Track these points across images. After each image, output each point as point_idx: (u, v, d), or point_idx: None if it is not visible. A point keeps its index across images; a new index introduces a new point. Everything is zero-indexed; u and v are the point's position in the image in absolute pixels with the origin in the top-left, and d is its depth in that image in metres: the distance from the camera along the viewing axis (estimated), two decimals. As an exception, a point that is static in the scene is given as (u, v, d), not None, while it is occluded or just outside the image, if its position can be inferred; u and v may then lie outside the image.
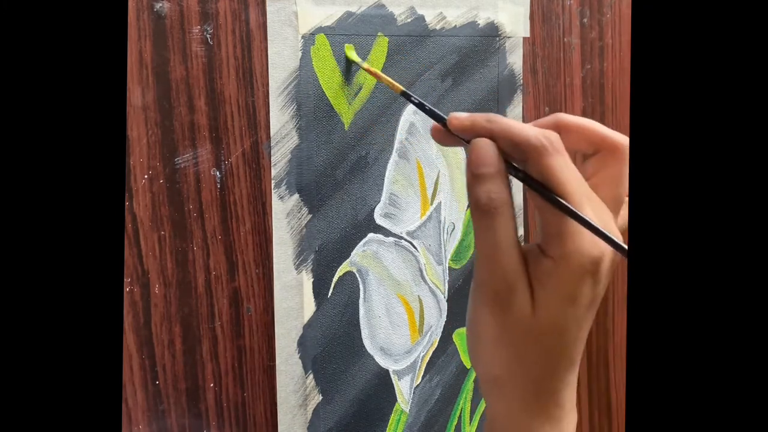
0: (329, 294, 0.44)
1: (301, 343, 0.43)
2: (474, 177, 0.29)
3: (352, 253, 0.45)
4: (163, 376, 0.40)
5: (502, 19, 0.49)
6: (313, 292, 0.44)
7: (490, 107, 0.50)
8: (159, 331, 0.40)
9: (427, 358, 0.49)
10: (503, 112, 0.51)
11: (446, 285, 0.50)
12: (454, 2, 0.47)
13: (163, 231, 0.39)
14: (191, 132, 0.39)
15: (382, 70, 0.44)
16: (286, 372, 0.43)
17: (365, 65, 0.42)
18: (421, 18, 0.46)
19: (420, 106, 0.34)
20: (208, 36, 0.39)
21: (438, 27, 0.46)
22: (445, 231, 0.49)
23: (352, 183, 0.44)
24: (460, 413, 0.52)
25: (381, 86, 0.45)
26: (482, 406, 0.53)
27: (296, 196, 0.42)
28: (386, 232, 0.46)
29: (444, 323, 0.50)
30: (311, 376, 0.44)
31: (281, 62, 0.41)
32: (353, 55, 0.42)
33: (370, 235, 0.46)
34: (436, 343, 0.50)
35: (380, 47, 0.44)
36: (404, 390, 0.48)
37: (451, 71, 0.48)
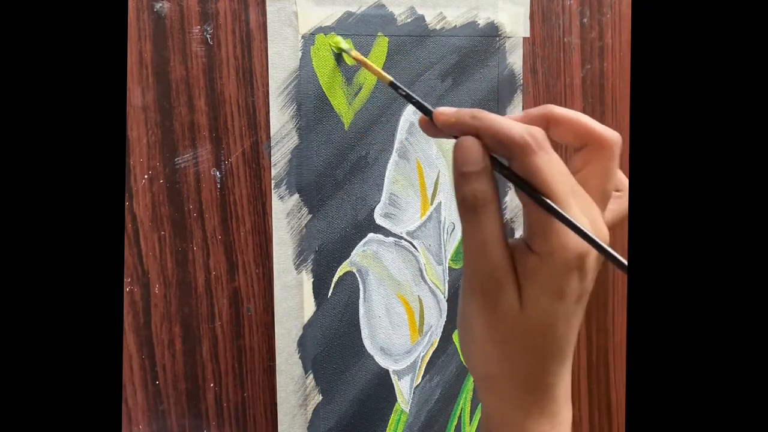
0: (329, 294, 0.44)
1: (301, 343, 0.43)
2: (460, 175, 0.29)
3: (352, 253, 0.45)
4: (163, 376, 0.40)
5: (502, 19, 0.49)
6: (313, 292, 0.44)
7: (490, 107, 0.50)
8: (159, 331, 0.40)
9: (427, 358, 0.49)
10: (503, 112, 0.51)
11: (446, 285, 0.50)
12: (454, 2, 0.47)
13: (163, 231, 0.39)
14: (191, 132, 0.39)
15: (381, 70, 0.44)
16: (286, 372, 0.43)
17: (354, 53, 0.42)
18: (421, 18, 0.46)
19: (407, 98, 0.34)
20: (208, 36, 0.39)
21: (438, 27, 0.46)
22: (445, 231, 0.49)
23: (352, 183, 0.44)
24: (460, 413, 0.52)
25: (381, 86, 0.45)
26: (482, 406, 0.53)
27: (296, 196, 0.42)
28: (386, 232, 0.46)
29: (444, 323, 0.50)
30: (311, 376, 0.44)
31: (281, 62, 0.41)
32: (340, 42, 0.42)
33: (370, 235, 0.46)
34: (436, 343, 0.50)
35: (380, 47, 0.44)
36: (404, 390, 0.48)
37: (451, 71, 0.48)
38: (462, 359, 0.51)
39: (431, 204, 0.48)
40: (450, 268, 0.50)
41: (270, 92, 0.41)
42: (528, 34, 0.51)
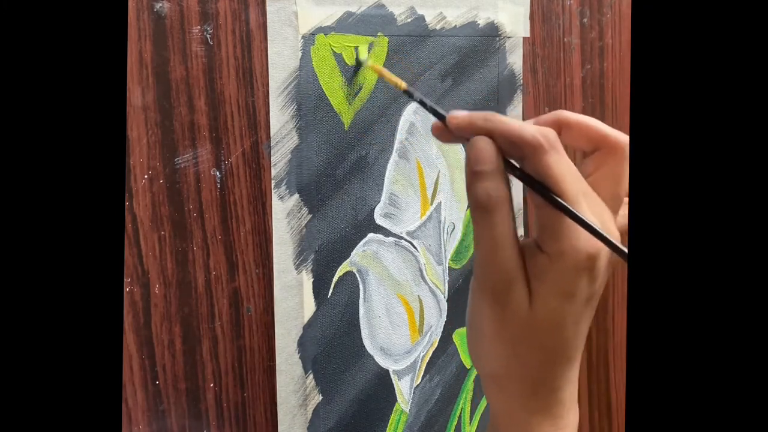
0: (329, 294, 0.44)
1: (301, 343, 0.43)
2: (473, 174, 0.29)
3: (352, 253, 0.45)
4: (163, 376, 0.40)
5: (502, 19, 0.49)
6: (313, 292, 0.44)
7: (490, 107, 0.50)
8: (159, 331, 0.40)
9: (427, 358, 0.49)
10: (503, 112, 0.51)
11: (446, 285, 0.50)
12: (454, 2, 0.47)
13: (163, 231, 0.39)
14: (191, 132, 0.39)
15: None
16: (286, 372, 0.43)
17: (371, 62, 0.42)
18: (421, 18, 0.46)
19: (422, 103, 0.34)
20: (208, 36, 0.39)
21: (438, 27, 0.46)
22: (445, 231, 0.49)
23: (352, 183, 0.44)
24: (460, 413, 0.52)
25: (381, 86, 0.45)
26: (482, 405, 0.53)
27: (296, 196, 0.42)
28: (386, 232, 0.46)
29: (444, 323, 0.50)
30: (311, 376, 0.44)
31: (281, 62, 0.41)
32: (364, 53, 0.43)
33: (370, 235, 0.46)
34: (436, 343, 0.50)
35: (380, 47, 0.44)
36: (404, 390, 0.48)
37: (451, 71, 0.48)
38: (463, 359, 0.51)
39: (431, 204, 0.48)
40: (450, 268, 0.50)
41: (270, 92, 0.41)
42: (528, 34, 0.51)
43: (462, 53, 0.48)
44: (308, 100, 0.42)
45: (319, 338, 0.44)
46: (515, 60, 0.51)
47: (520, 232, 0.54)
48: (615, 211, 0.31)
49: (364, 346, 0.46)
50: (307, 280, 0.43)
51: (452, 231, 0.50)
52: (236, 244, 0.41)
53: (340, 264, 0.45)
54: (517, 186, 0.51)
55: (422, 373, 0.49)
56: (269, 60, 0.41)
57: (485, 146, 0.29)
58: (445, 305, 0.50)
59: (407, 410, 0.49)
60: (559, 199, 0.28)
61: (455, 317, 0.50)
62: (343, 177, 0.44)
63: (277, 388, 0.43)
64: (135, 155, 0.38)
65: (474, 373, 0.52)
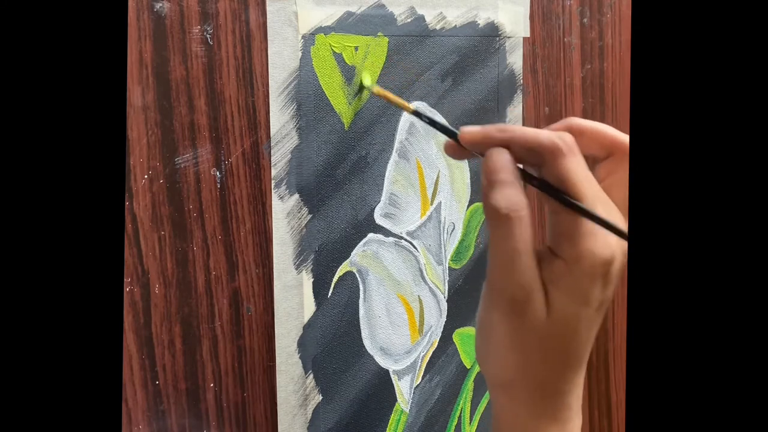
0: (329, 294, 0.44)
1: (301, 343, 0.43)
2: (491, 184, 0.29)
3: (352, 253, 0.45)
4: (163, 376, 0.40)
5: (502, 19, 0.49)
6: (313, 292, 0.44)
7: (490, 107, 0.50)
8: (159, 331, 0.40)
9: (427, 358, 0.49)
10: (503, 112, 0.51)
11: (446, 285, 0.50)
12: (454, 2, 0.47)
13: (163, 231, 0.39)
14: (191, 132, 0.39)
15: (382, 70, 0.44)
16: (286, 372, 0.43)
17: (376, 89, 0.42)
18: (421, 18, 0.46)
19: (432, 123, 0.34)
20: (208, 36, 0.39)
21: (438, 27, 0.46)
22: (445, 231, 0.49)
23: (352, 183, 0.44)
24: (460, 413, 0.52)
25: (381, 86, 0.45)
26: (482, 406, 0.53)
27: (296, 196, 0.42)
28: (386, 232, 0.46)
29: (444, 323, 0.50)
30: (311, 376, 0.44)
31: (281, 62, 0.41)
32: (367, 80, 0.43)
33: (370, 235, 0.46)
34: (436, 343, 0.49)
35: (380, 47, 0.44)
36: (404, 390, 0.48)
37: (451, 71, 0.48)
38: (463, 359, 0.51)
39: (431, 204, 0.48)
40: (450, 268, 0.50)
41: (270, 92, 0.41)
42: (528, 34, 0.51)
43: (462, 53, 0.48)
44: (308, 100, 0.42)
45: (319, 338, 0.44)
46: (515, 60, 0.51)
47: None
48: (626, 216, 0.31)
49: (364, 346, 0.46)
50: (307, 280, 0.43)
51: (452, 231, 0.50)
52: (236, 244, 0.41)
53: (340, 264, 0.45)
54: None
55: (422, 373, 0.49)
56: (269, 60, 0.41)
57: (502, 156, 0.29)
58: (445, 305, 0.50)
59: (407, 410, 0.49)
60: (578, 203, 0.28)
61: (455, 317, 0.50)
62: (343, 177, 0.44)
63: (277, 388, 0.43)
64: (135, 155, 0.38)
65: (474, 373, 0.52)
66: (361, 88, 0.43)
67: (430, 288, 0.49)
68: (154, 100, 0.38)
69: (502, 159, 0.29)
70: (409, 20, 0.45)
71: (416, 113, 0.36)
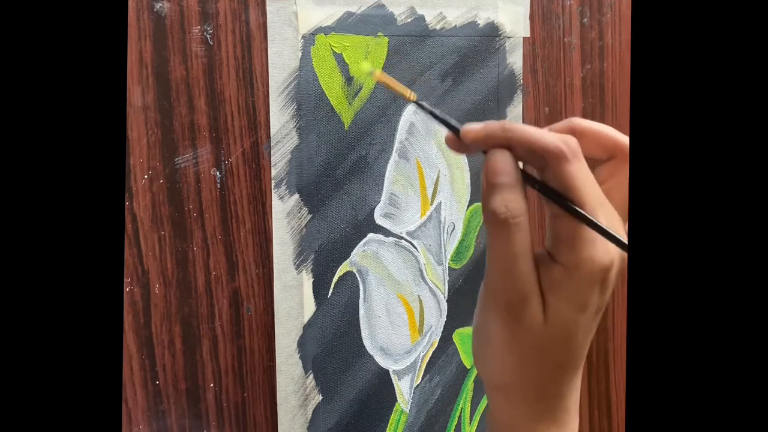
0: (329, 294, 0.44)
1: (301, 343, 0.43)
2: (491, 187, 0.29)
3: (352, 253, 0.45)
4: (163, 376, 0.40)
5: (502, 19, 0.49)
6: (313, 292, 0.44)
7: (490, 107, 0.50)
8: (159, 331, 0.40)
9: (427, 358, 0.49)
10: (503, 112, 0.51)
11: (446, 285, 0.50)
12: (454, 2, 0.47)
13: (163, 231, 0.39)
14: (191, 132, 0.39)
15: (381, 70, 0.44)
16: (286, 372, 0.43)
17: (378, 74, 0.41)
18: (421, 18, 0.46)
19: (433, 115, 0.33)
20: (208, 36, 0.39)
21: (438, 27, 0.46)
22: (445, 231, 0.49)
23: (352, 183, 0.44)
24: (460, 413, 0.52)
25: (381, 87, 0.45)
26: (482, 406, 0.53)
27: (296, 196, 0.42)
28: (386, 232, 0.46)
29: (444, 323, 0.50)
30: (311, 376, 0.44)
31: (281, 62, 0.41)
32: (367, 65, 0.42)
33: (370, 235, 0.46)
34: (436, 343, 0.49)
35: (380, 47, 0.44)
36: (404, 390, 0.48)
37: (451, 71, 0.48)
38: (463, 359, 0.51)
39: (431, 204, 0.48)
40: (450, 268, 0.50)
41: (270, 92, 0.41)
42: (528, 34, 0.51)
43: (462, 53, 0.48)
44: (308, 100, 0.42)
45: (319, 338, 0.44)
46: (515, 60, 0.51)
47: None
48: (626, 219, 0.31)
49: (364, 346, 0.46)
50: (307, 280, 0.43)
51: (452, 231, 0.50)
52: (236, 244, 0.41)
53: (340, 264, 0.45)
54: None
55: (422, 373, 0.49)
56: (269, 60, 0.41)
57: (503, 158, 0.29)
58: (445, 305, 0.50)
59: (407, 410, 0.49)
60: (580, 210, 0.28)
61: (455, 317, 0.50)
62: (343, 177, 0.44)
63: (277, 388, 0.43)
64: (135, 155, 0.38)
65: (474, 374, 0.52)
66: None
67: (430, 288, 0.49)
68: (154, 100, 0.38)
69: (503, 162, 0.29)
70: (409, 20, 0.45)
71: (418, 103, 0.36)
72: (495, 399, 0.31)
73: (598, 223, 0.28)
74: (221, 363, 0.41)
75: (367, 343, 0.46)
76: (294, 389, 0.44)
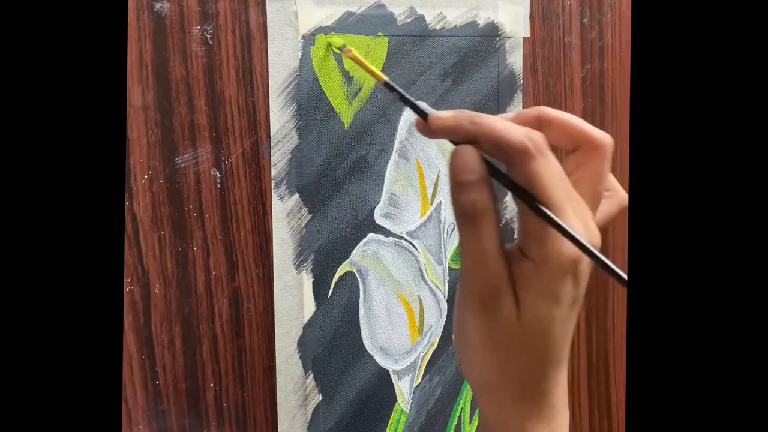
0: (329, 294, 0.44)
1: (301, 343, 0.43)
2: (456, 185, 0.29)
3: (352, 253, 0.45)
4: (163, 376, 0.40)
5: (502, 19, 0.49)
6: (313, 292, 0.44)
7: (490, 107, 0.50)
8: (159, 331, 0.40)
9: (427, 358, 0.49)
10: (503, 112, 0.51)
11: (446, 285, 0.50)
12: (454, 2, 0.47)
13: (163, 231, 0.39)
14: (191, 132, 0.39)
15: (381, 70, 0.44)
16: (286, 372, 0.43)
17: (349, 52, 0.41)
18: (421, 18, 0.46)
19: (402, 99, 0.33)
20: (208, 36, 0.39)
21: (438, 27, 0.46)
22: (446, 231, 0.49)
23: (352, 183, 0.44)
24: (460, 413, 0.52)
25: (381, 86, 0.45)
26: (482, 406, 0.53)
27: (296, 196, 0.42)
28: (386, 232, 0.46)
29: (444, 323, 0.50)
30: (311, 376, 0.44)
31: (281, 62, 0.41)
32: (337, 40, 0.42)
33: (370, 235, 0.46)
34: (436, 343, 0.50)
35: (380, 47, 0.44)
36: (404, 390, 0.48)
37: (451, 71, 0.48)
38: (462, 359, 0.51)
39: (431, 204, 0.48)
40: (450, 268, 0.50)
41: (270, 92, 0.41)
42: (528, 34, 0.51)
43: (462, 53, 0.48)
44: (308, 100, 0.42)
45: (319, 338, 0.44)
46: (515, 60, 0.51)
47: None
48: (594, 209, 0.31)
49: (364, 346, 0.46)
50: (307, 280, 0.43)
51: (452, 231, 0.50)
52: (236, 244, 0.41)
53: (340, 264, 0.45)
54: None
55: (422, 373, 0.49)
56: (269, 60, 0.41)
57: (469, 155, 0.29)
58: (445, 305, 0.50)
59: (407, 410, 0.49)
60: (544, 209, 0.28)
61: (455, 317, 0.50)
62: (343, 177, 0.44)
63: (277, 388, 0.43)
64: (135, 155, 0.38)
65: (474, 373, 0.52)
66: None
67: (430, 288, 0.49)
68: (154, 100, 0.38)
69: (468, 159, 0.29)
70: (409, 20, 0.45)
71: (388, 85, 0.35)
72: (481, 398, 0.31)
73: (558, 220, 0.28)
74: (221, 363, 0.41)
75: (367, 343, 0.46)
76: (294, 389, 0.44)
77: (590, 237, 0.29)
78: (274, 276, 0.42)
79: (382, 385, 0.47)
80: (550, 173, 0.28)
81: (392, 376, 0.48)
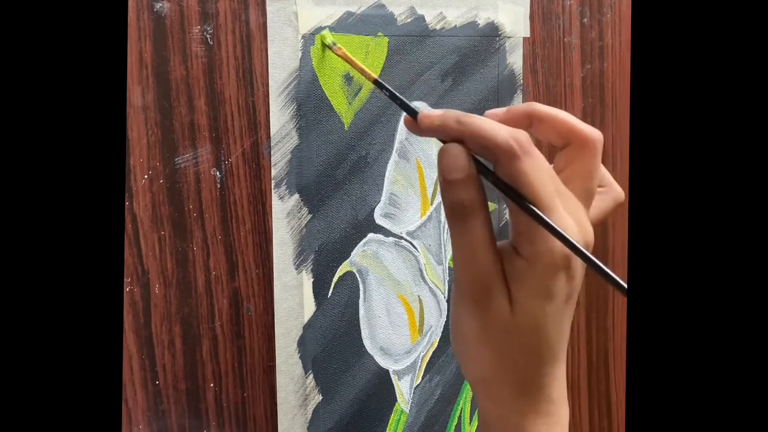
0: (329, 294, 0.44)
1: (301, 343, 0.43)
2: (446, 183, 0.29)
3: (352, 253, 0.45)
4: (163, 376, 0.40)
5: (502, 19, 0.49)
6: (313, 292, 0.44)
7: (490, 107, 0.50)
8: (159, 331, 0.40)
9: (427, 358, 0.49)
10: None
11: (446, 285, 0.50)
12: (454, 2, 0.47)
13: (163, 231, 0.39)
14: (191, 132, 0.39)
15: (381, 70, 0.44)
16: (286, 372, 0.43)
17: (339, 49, 0.41)
18: (421, 18, 0.46)
19: (392, 97, 0.33)
20: (208, 36, 0.39)
21: (438, 27, 0.46)
22: (446, 231, 0.49)
23: (352, 183, 0.44)
24: (460, 413, 0.52)
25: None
26: (482, 406, 0.53)
27: (296, 196, 0.42)
28: (386, 232, 0.46)
29: (444, 323, 0.50)
30: (311, 376, 0.44)
31: (281, 62, 0.41)
32: (328, 38, 0.42)
33: (370, 235, 0.46)
34: (436, 343, 0.50)
35: (380, 47, 0.44)
36: (404, 390, 0.48)
37: (451, 71, 0.48)
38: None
39: (431, 204, 0.48)
40: (450, 268, 0.50)
41: (270, 92, 0.41)
42: (528, 34, 0.51)
43: (462, 53, 0.48)
44: (308, 100, 0.42)
45: (319, 338, 0.44)
46: (515, 60, 0.51)
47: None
48: (588, 205, 0.31)
49: (364, 346, 0.46)
50: (307, 280, 0.43)
51: (452, 231, 0.50)
52: (236, 244, 0.41)
53: (340, 264, 0.45)
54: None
55: (422, 373, 0.49)
56: (269, 60, 0.41)
57: (457, 154, 0.29)
58: (445, 305, 0.50)
59: (407, 410, 0.49)
60: (532, 207, 0.28)
61: (455, 317, 0.50)
62: (343, 177, 0.44)
63: (277, 388, 0.43)
64: (135, 155, 0.38)
65: (474, 373, 0.52)
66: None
67: (430, 288, 0.49)
68: (154, 100, 0.38)
69: (456, 157, 0.29)
70: (409, 20, 0.45)
71: (377, 83, 0.35)
72: (479, 395, 0.31)
73: (548, 220, 0.28)
74: (221, 363, 0.42)
75: (367, 343, 0.46)
76: (294, 389, 0.44)
77: (583, 233, 0.29)
78: (274, 276, 0.42)
79: (382, 385, 0.47)
80: (537, 172, 0.28)
81: (392, 376, 0.48)
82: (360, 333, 0.46)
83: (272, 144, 0.41)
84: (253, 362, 0.42)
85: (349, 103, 0.44)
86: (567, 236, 0.27)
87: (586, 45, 0.54)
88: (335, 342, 0.45)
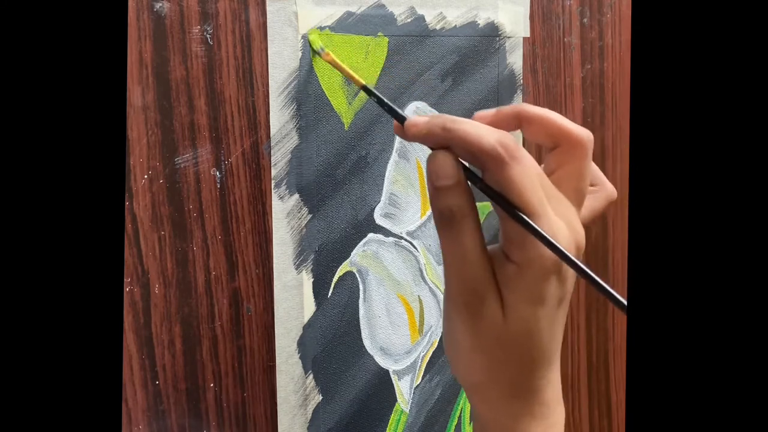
0: (329, 294, 0.44)
1: (301, 343, 0.43)
2: (434, 190, 0.29)
3: (352, 253, 0.45)
4: (163, 376, 0.40)
5: (502, 19, 0.49)
6: (313, 292, 0.44)
7: (490, 107, 0.50)
8: (159, 331, 0.40)
9: (427, 358, 0.49)
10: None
11: (446, 285, 0.50)
12: (454, 2, 0.47)
13: (163, 231, 0.39)
14: (191, 132, 0.39)
15: (381, 70, 0.45)
16: (286, 372, 0.43)
17: (327, 55, 0.41)
18: (421, 18, 0.46)
19: (380, 103, 0.33)
20: (208, 36, 0.39)
21: (438, 27, 0.46)
22: (445, 231, 0.49)
23: (352, 183, 0.44)
24: (460, 413, 0.52)
25: (381, 86, 0.45)
26: (482, 406, 0.53)
27: (296, 196, 0.42)
28: (386, 232, 0.46)
29: (444, 323, 0.50)
30: (311, 376, 0.44)
31: (281, 62, 0.41)
32: (317, 40, 0.41)
33: (370, 235, 0.46)
34: (436, 343, 0.50)
35: (380, 47, 0.44)
36: (404, 390, 0.48)
37: (451, 71, 0.48)
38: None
39: (431, 204, 0.48)
40: (450, 268, 0.50)
41: (270, 92, 0.41)
42: (528, 34, 0.51)
43: (462, 53, 0.48)
44: (308, 100, 0.42)
45: (319, 338, 0.44)
46: (515, 60, 0.51)
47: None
48: (579, 206, 0.30)
49: (364, 346, 0.46)
50: (307, 280, 0.43)
51: (452, 231, 0.50)
52: (236, 244, 0.41)
53: (340, 264, 0.45)
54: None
55: (422, 373, 0.49)
56: (269, 60, 0.41)
57: (444, 161, 0.28)
58: (445, 305, 0.50)
59: (407, 410, 0.49)
60: (520, 213, 0.27)
61: (455, 317, 0.50)
62: (343, 177, 0.44)
63: (277, 388, 0.43)
64: (135, 155, 0.38)
65: (474, 373, 0.52)
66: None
67: (430, 288, 0.49)
68: (154, 100, 0.38)
69: (443, 164, 0.28)
70: (409, 20, 0.45)
71: (365, 89, 0.35)
72: (473, 400, 0.31)
73: (536, 227, 0.27)
74: (221, 363, 0.42)
75: (367, 343, 0.46)
76: (294, 389, 0.44)
77: (574, 235, 0.29)
78: (274, 276, 0.42)
79: (382, 385, 0.47)
80: (525, 178, 0.28)
81: (392, 376, 0.48)
82: (360, 333, 0.46)
83: (272, 144, 0.41)
84: (253, 362, 0.42)
85: (349, 103, 0.44)
86: (555, 243, 0.27)
87: (586, 45, 0.54)
88: (335, 342, 0.45)
